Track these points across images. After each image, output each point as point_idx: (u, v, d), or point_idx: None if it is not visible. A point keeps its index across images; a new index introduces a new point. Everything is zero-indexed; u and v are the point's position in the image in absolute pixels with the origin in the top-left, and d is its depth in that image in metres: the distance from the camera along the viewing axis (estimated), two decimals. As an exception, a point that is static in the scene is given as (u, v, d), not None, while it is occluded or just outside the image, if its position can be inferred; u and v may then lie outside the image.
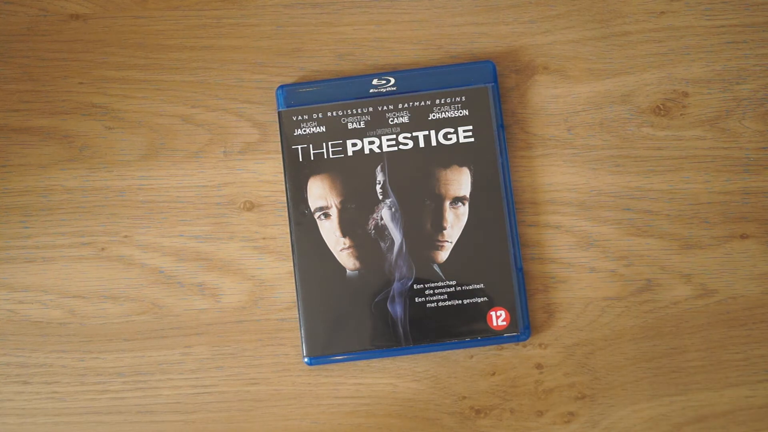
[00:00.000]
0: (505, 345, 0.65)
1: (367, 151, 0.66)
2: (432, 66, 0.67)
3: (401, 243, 0.64)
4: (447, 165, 0.65)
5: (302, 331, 0.64)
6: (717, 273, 0.65)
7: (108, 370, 0.66)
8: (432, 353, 0.65)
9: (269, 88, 0.68)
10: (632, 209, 0.66)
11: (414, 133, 0.66)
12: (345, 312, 0.64)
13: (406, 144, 0.66)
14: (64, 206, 0.67)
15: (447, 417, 0.65)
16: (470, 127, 0.65)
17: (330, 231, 0.65)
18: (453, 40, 0.68)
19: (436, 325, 0.64)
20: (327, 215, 0.65)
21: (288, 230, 0.66)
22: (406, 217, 0.65)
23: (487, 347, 0.65)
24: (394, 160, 0.65)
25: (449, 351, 0.65)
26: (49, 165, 0.68)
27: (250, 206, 0.67)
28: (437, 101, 0.66)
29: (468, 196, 0.65)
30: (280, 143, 0.67)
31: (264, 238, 0.67)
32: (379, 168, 0.65)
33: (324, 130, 0.66)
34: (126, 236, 0.67)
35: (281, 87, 0.67)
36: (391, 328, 0.64)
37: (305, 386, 0.66)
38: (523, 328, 0.64)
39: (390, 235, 0.65)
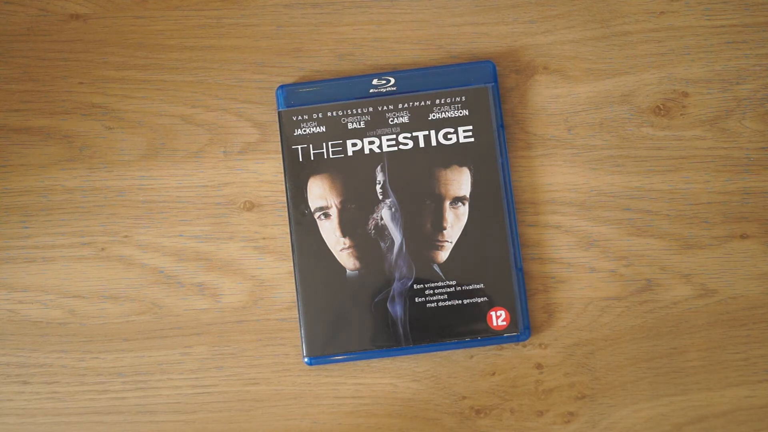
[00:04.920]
0: (505, 345, 0.65)
1: (367, 151, 0.66)
2: (432, 66, 0.67)
3: (401, 243, 0.64)
4: (447, 165, 0.65)
5: (302, 331, 0.64)
6: (717, 273, 0.65)
7: (108, 370, 0.66)
8: (432, 353, 0.65)
9: (269, 88, 0.68)
10: (632, 209, 0.66)
11: (414, 133, 0.66)
12: (345, 312, 0.64)
13: (406, 144, 0.66)
14: (64, 206, 0.67)
15: (447, 417, 0.65)
16: (470, 127, 0.65)
17: (330, 231, 0.65)
18: (453, 40, 0.68)
19: (436, 325, 0.64)
20: (327, 215, 0.65)
21: (288, 230, 0.66)
22: (406, 217, 0.65)
23: (487, 347, 0.65)
24: (394, 160, 0.65)
25: (449, 351, 0.65)
26: (49, 165, 0.68)
27: (250, 206, 0.67)
28: (437, 101, 0.66)
29: (468, 196, 0.65)
30: (280, 143, 0.67)
31: (264, 238, 0.67)
32: (379, 168, 0.65)
33: (324, 130, 0.66)
34: (126, 236, 0.67)
35: (281, 87, 0.67)
36: (391, 328, 0.64)
37: (305, 386, 0.66)
38: (523, 328, 0.64)
39: (390, 235, 0.65)
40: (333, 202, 0.65)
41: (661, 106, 0.67)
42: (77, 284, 0.67)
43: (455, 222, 0.65)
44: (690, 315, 0.65)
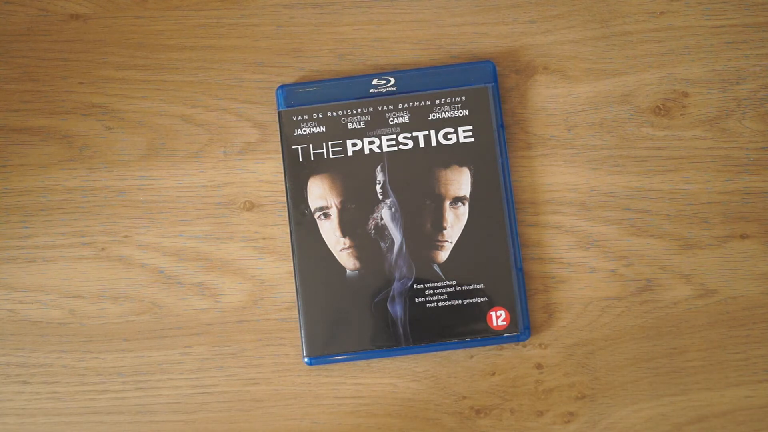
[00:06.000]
0: (505, 345, 0.65)
1: (367, 151, 0.66)
2: (432, 66, 0.67)
3: (401, 243, 0.65)
4: (447, 165, 0.65)
5: (302, 331, 0.64)
6: (717, 273, 0.65)
7: (108, 370, 0.66)
8: (432, 353, 0.65)
9: (269, 88, 0.68)
10: (632, 209, 0.66)
11: (414, 133, 0.66)
12: (345, 312, 0.64)
13: (406, 144, 0.66)
14: (64, 206, 0.67)
15: (447, 417, 0.65)
16: (470, 127, 0.65)
17: (330, 231, 0.65)
18: (453, 40, 0.68)
19: (436, 325, 0.64)
20: (327, 215, 0.65)
21: (288, 230, 0.66)
22: (406, 217, 0.65)
23: (487, 347, 0.65)
24: (394, 160, 0.65)
25: (449, 351, 0.65)
26: (49, 165, 0.68)
27: (250, 206, 0.67)
28: (437, 101, 0.66)
29: (468, 196, 0.65)
30: (280, 143, 0.67)
31: (264, 238, 0.67)
32: (379, 168, 0.65)
33: (324, 130, 0.66)
34: (126, 236, 0.67)
35: (281, 87, 0.67)
36: (391, 328, 0.64)
37: (305, 386, 0.66)
38: (523, 328, 0.64)
39: (390, 235, 0.65)
40: (333, 202, 0.65)
41: (661, 106, 0.67)
42: (77, 284, 0.67)
43: (455, 222, 0.65)
44: (690, 315, 0.65)
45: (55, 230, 0.67)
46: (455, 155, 0.65)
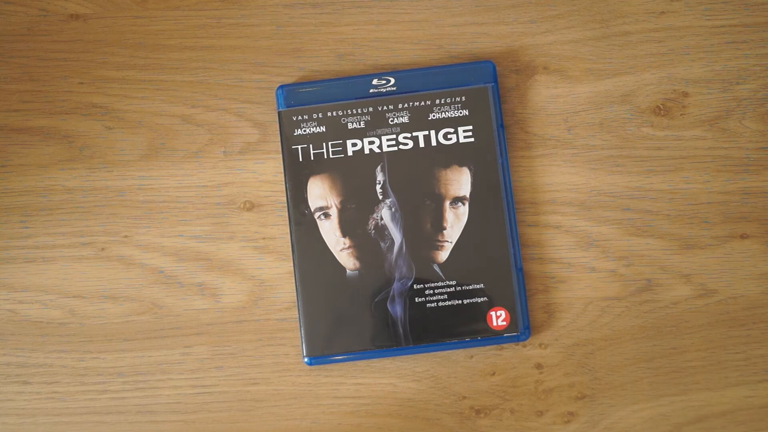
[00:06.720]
0: (505, 345, 0.65)
1: (367, 151, 0.66)
2: (432, 66, 0.67)
3: (401, 243, 0.65)
4: (447, 165, 0.65)
5: (302, 331, 0.64)
6: (717, 273, 0.65)
7: (108, 370, 0.66)
8: (432, 353, 0.65)
9: (269, 88, 0.68)
10: (632, 209, 0.66)
11: (414, 133, 0.66)
12: (345, 312, 0.64)
13: (406, 144, 0.66)
14: (64, 206, 0.67)
15: (447, 417, 0.65)
16: (470, 127, 0.65)
17: (330, 231, 0.65)
18: (453, 40, 0.68)
19: (436, 325, 0.64)
20: (327, 215, 0.65)
21: (288, 230, 0.67)
22: (406, 217, 0.65)
23: (487, 347, 0.65)
24: (394, 160, 0.65)
25: (449, 351, 0.65)
26: (49, 165, 0.68)
27: (250, 206, 0.67)
28: (437, 101, 0.66)
29: (468, 196, 0.65)
30: (280, 143, 0.67)
31: (264, 238, 0.67)
32: (379, 168, 0.65)
33: (324, 130, 0.66)
34: (126, 236, 0.67)
35: (281, 87, 0.67)
36: (391, 328, 0.64)
37: (305, 386, 0.66)
38: (523, 328, 0.64)
39: (390, 235, 0.65)
40: (333, 202, 0.65)
41: (661, 106, 0.67)
42: (77, 284, 0.67)
43: (455, 222, 0.65)
44: (690, 315, 0.65)
45: (55, 230, 0.67)
46: (455, 155, 0.65)
